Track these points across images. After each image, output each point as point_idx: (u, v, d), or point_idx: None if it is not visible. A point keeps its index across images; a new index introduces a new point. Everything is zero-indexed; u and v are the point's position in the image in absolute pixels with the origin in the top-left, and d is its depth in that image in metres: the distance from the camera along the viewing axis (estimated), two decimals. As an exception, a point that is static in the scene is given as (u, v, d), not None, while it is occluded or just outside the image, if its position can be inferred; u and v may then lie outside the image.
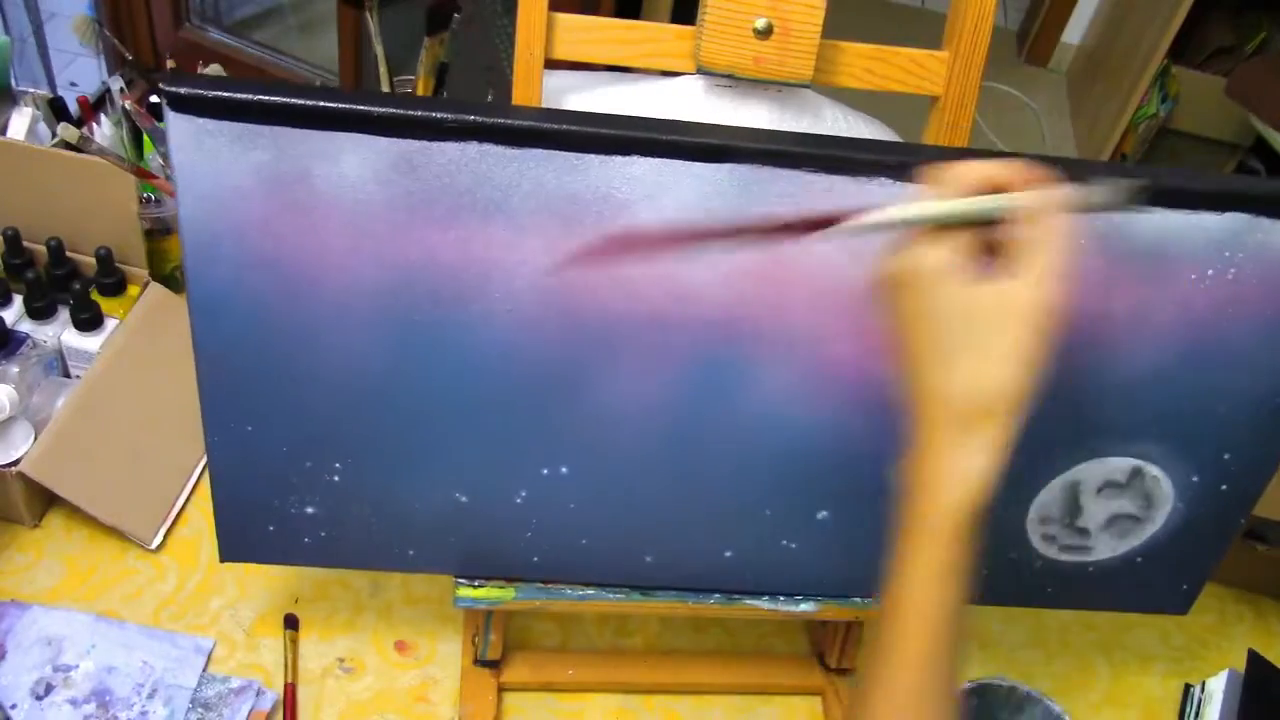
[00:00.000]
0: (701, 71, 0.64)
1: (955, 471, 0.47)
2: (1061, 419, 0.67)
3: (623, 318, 0.62)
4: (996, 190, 0.48)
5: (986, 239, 0.48)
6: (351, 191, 0.57)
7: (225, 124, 0.55)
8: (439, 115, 0.55)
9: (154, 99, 1.13)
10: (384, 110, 0.55)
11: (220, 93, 0.55)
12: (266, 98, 0.55)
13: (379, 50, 1.23)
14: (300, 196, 0.57)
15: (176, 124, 0.55)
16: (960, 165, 0.49)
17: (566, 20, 0.64)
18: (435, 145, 0.56)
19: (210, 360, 0.63)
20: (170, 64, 1.15)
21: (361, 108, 0.55)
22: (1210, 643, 0.96)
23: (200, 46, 1.59)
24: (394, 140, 0.56)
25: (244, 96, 0.55)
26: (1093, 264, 0.61)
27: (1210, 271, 0.62)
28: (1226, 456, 0.70)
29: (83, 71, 1.72)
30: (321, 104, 0.55)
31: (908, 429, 0.49)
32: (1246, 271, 0.62)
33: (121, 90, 1.10)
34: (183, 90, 0.55)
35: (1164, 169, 0.66)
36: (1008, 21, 2.68)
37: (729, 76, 0.63)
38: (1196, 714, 0.88)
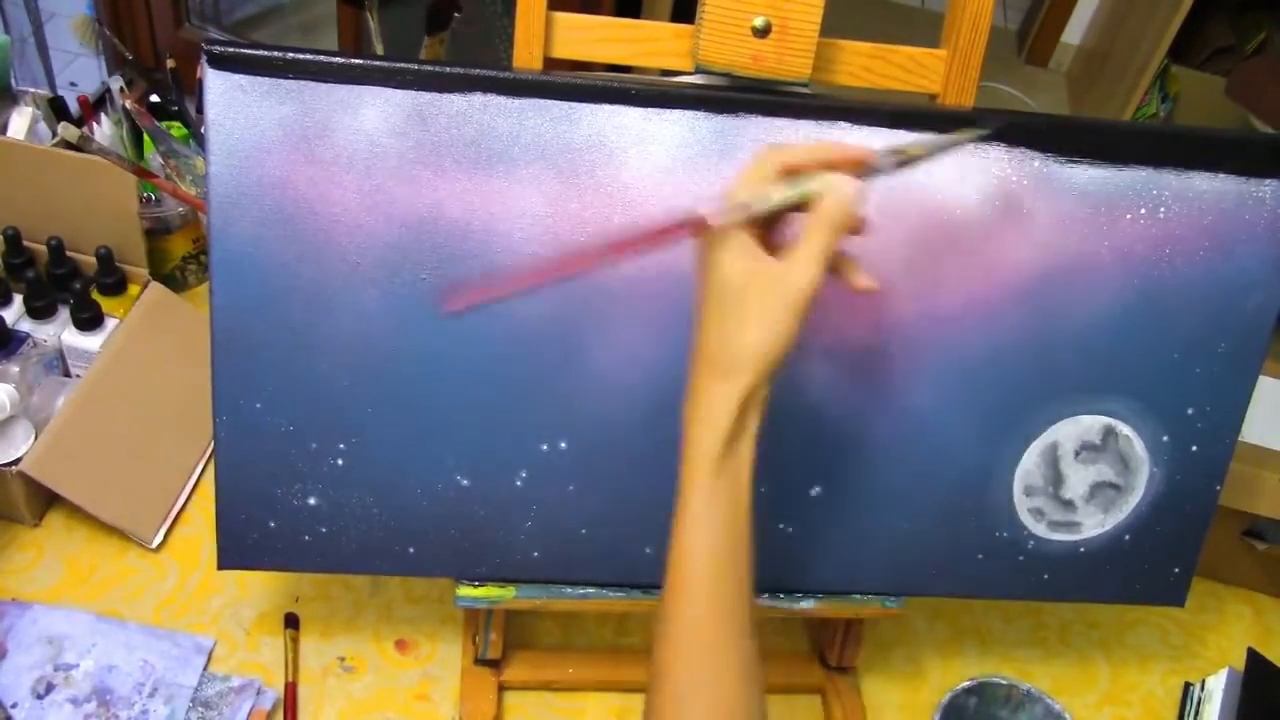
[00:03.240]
0: (700, 70, 0.64)
1: (709, 412, 0.54)
2: (1029, 373, 0.71)
3: (614, 274, 0.66)
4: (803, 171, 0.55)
5: (781, 220, 0.56)
6: (368, 144, 0.63)
7: (258, 79, 0.62)
8: (448, 68, 0.62)
9: (154, 99, 1.13)
10: (399, 64, 0.62)
11: (257, 50, 0.61)
12: (298, 55, 0.61)
13: (379, 50, 1.23)
14: (320, 151, 0.63)
15: (214, 80, 0.62)
16: (779, 152, 0.55)
17: (565, 19, 0.65)
18: (444, 97, 0.62)
19: (226, 329, 0.66)
20: (170, 64, 1.15)
21: (380, 63, 0.62)
22: (1210, 641, 0.96)
23: (200, 46, 1.58)
24: (408, 93, 0.62)
25: (277, 54, 0.61)
26: (1041, 213, 0.68)
27: (1143, 210, 0.68)
28: (1190, 411, 0.74)
29: (83, 71, 1.72)
30: (346, 60, 0.62)
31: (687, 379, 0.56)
32: (1175, 210, 0.69)
33: (121, 90, 1.10)
34: (221, 49, 0.61)
35: (1202, 128, 0.70)
36: (1008, 21, 2.68)
37: (727, 75, 0.64)
38: (1196, 713, 0.88)
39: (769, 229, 0.56)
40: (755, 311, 0.53)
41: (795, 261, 0.53)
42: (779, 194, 0.54)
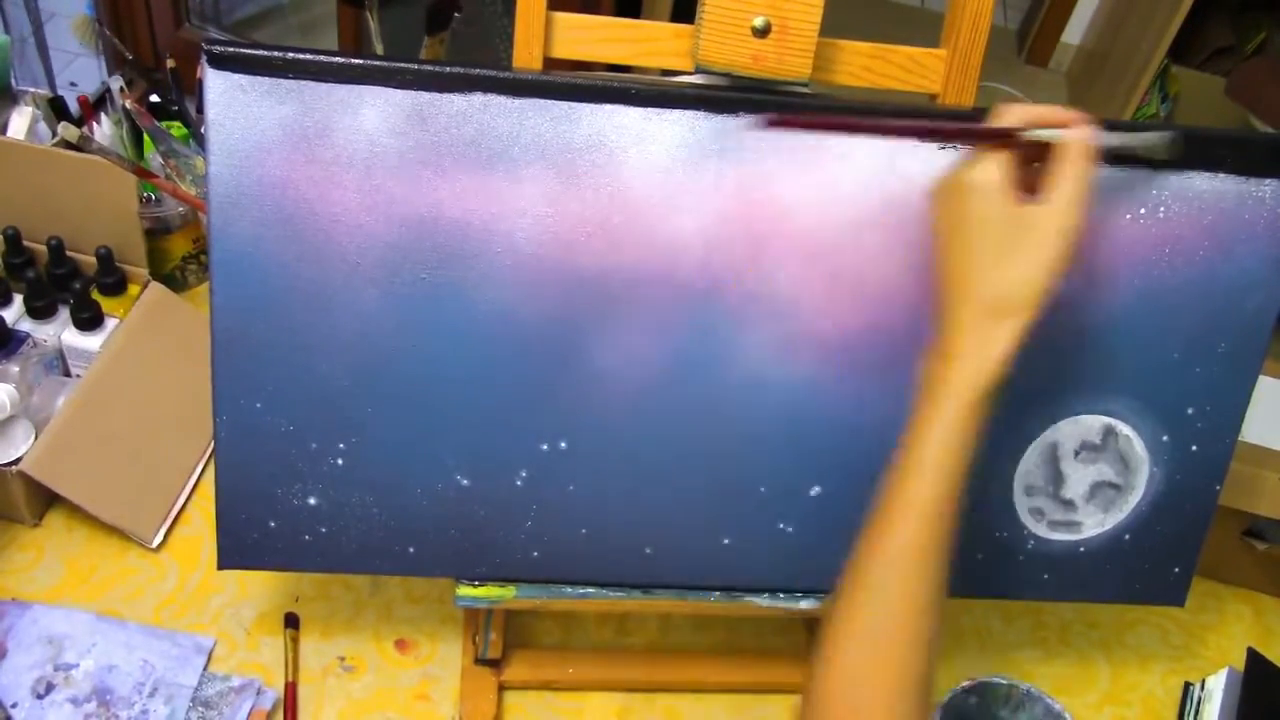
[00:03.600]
0: (700, 70, 0.64)
1: (983, 348, 0.57)
2: (1029, 373, 0.70)
3: (613, 273, 0.66)
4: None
5: (1030, 169, 0.58)
6: (368, 144, 0.63)
7: (258, 79, 0.61)
8: (448, 68, 0.62)
9: (154, 99, 1.13)
10: (399, 64, 0.62)
11: (257, 50, 0.61)
12: (298, 55, 0.61)
13: (379, 50, 1.24)
14: (320, 151, 0.63)
15: (214, 80, 0.61)
16: (1018, 107, 0.59)
17: (565, 19, 0.65)
18: (444, 97, 0.62)
19: (226, 329, 0.66)
20: (170, 64, 1.15)
21: (380, 63, 0.62)
22: (1210, 641, 0.96)
23: (200, 46, 1.58)
24: (408, 93, 0.62)
25: (277, 54, 0.61)
26: None
27: (1143, 210, 0.68)
28: (1190, 411, 0.74)
29: (83, 71, 1.72)
30: (346, 60, 0.62)
31: (938, 317, 0.59)
32: (1175, 210, 0.69)
33: (121, 90, 1.10)
34: (221, 49, 0.61)
35: (1203, 128, 0.70)
36: (1008, 21, 2.69)
37: (727, 75, 0.64)
38: (1196, 712, 0.88)
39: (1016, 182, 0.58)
40: (1027, 252, 0.56)
41: (1060, 201, 0.56)
42: (1046, 131, 0.57)
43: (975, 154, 0.58)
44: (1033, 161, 0.58)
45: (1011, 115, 0.59)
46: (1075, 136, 0.57)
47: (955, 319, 0.58)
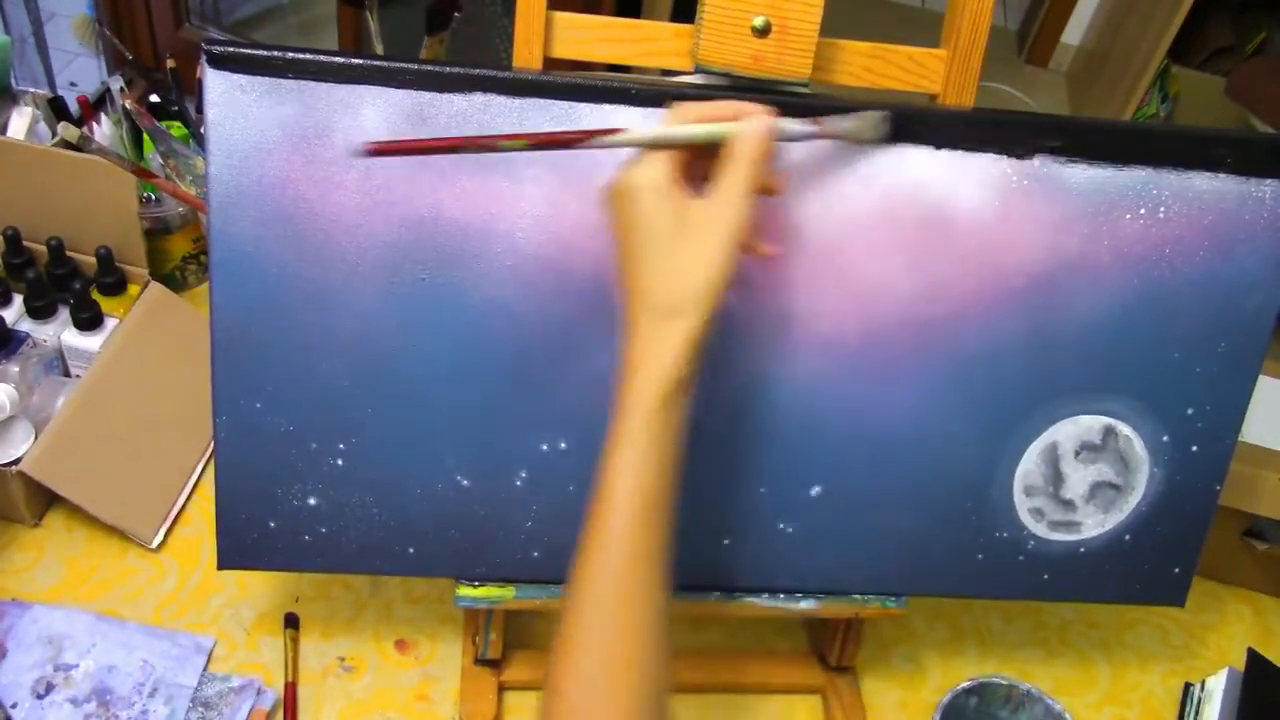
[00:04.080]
0: (700, 70, 0.64)
1: (654, 353, 0.56)
2: (1029, 373, 0.71)
3: (612, 273, 0.65)
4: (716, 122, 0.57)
5: (701, 163, 0.57)
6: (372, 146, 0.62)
7: (258, 79, 0.61)
8: (448, 68, 0.62)
9: (154, 99, 1.13)
10: (399, 64, 0.62)
11: (256, 50, 0.61)
12: (298, 55, 0.61)
13: (379, 50, 1.24)
14: (320, 151, 0.63)
15: (214, 80, 0.62)
16: (692, 104, 0.58)
17: (565, 19, 0.65)
18: (444, 97, 0.62)
19: (226, 329, 0.66)
20: (170, 64, 1.15)
21: (380, 63, 0.62)
22: (1210, 641, 0.96)
23: (200, 46, 1.59)
24: (408, 92, 0.62)
25: (277, 54, 0.61)
26: (1041, 213, 0.67)
27: (1143, 210, 0.68)
28: (1190, 411, 0.74)
29: (83, 71, 1.72)
30: (346, 60, 0.62)
31: (621, 323, 0.57)
32: (1175, 210, 0.68)
33: (121, 90, 1.10)
34: (221, 49, 0.61)
35: (1203, 128, 0.71)
36: (1008, 21, 2.69)
37: (727, 75, 0.64)
38: (1196, 713, 0.88)
39: (686, 178, 0.57)
40: (691, 250, 0.55)
41: (720, 196, 0.56)
42: (698, 129, 0.57)
43: (640, 153, 0.57)
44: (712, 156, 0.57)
45: (683, 113, 0.58)
46: (739, 130, 0.56)
47: (630, 325, 0.57)
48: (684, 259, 0.55)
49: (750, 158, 0.56)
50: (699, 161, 0.58)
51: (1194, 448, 0.75)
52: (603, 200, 0.58)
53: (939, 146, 0.66)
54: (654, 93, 0.63)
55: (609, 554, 0.55)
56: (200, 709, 0.77)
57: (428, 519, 0.71)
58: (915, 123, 0.65)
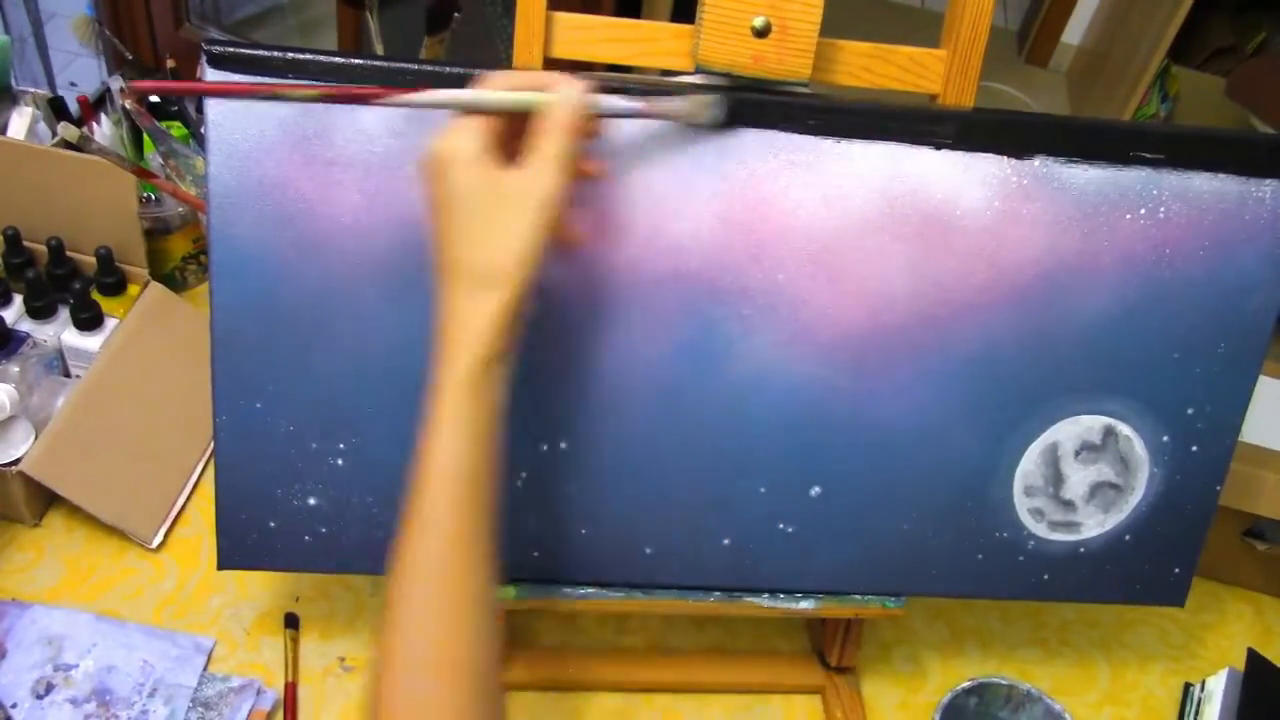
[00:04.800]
0: (700, 70, 0.64)
1: (466, 326, 0.55)
2: (1029, 373, 0.71)
3: (613, 273, 0.66)
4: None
5: (518, 140, 0.56)
6: (367, 145, 0.63)
7: (258, 79, 0.61)
8: (448, 68, 0.62)
9: (154, 99, 1.13)
10: (399, 64, 0.62)
11: (257, 50, 0.61)
12: (298, 55, 0.61)
13: (379, 50, 1.24)
14: (320, 151, 0.63)
15: (214, 80, 0.61)
16: (504, 73, 0.57)
17: (565, 19, 0.65)
18: None
19: (226, 329, 0.66)
20: (170, 64, 1.15)
21: (380, 63, 0.62)
22: (1210, 641, 0.96)
23: (200, 46, 1.59)
24: None
25: (277, 54, 0.61)
26: (1040, 213, 0.68)
27: (1143, 210, 0.68)
28: (1190, 411, 0.74)
29: (83, 71, 1.72)
30: (346, 60, 0.62)
31: (434, 296, 0.56)
32: (1175, 210, 0.68)
33: (121, 90, 1.10)
34: (221, 49, 0.61)
35: (1203, 128, 0.71)
36: (1008, 21, 2.69)
37: (727, 75, 0.64)
38: (1196, 713, 0.88)
39: (504, 150, 0.57)
40: (505, 220, 0.54)
41: (533, 166, 0.55)
42: (507, 96, 0.56)
43: (452, 123, 0.56)
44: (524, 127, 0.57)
45: (494, 81, 0.57)
46: (549, 99, 0.56)
47: (444, 297, 0.56)
48: (495, 229, 0.54)
49: (561, 126, 0.55)
50: (516, 137, 0.57)
51: (1194, 448, 0.75)
52: (418, 170, 0.57)
53: (939, 147, 0.66)
54: (653, 93, 0.63)
55: (428, 535, 0.54)
56: (200, 709, 0.77)
57: (428, 519, 0.71)
58: (747, 107, 0.64)
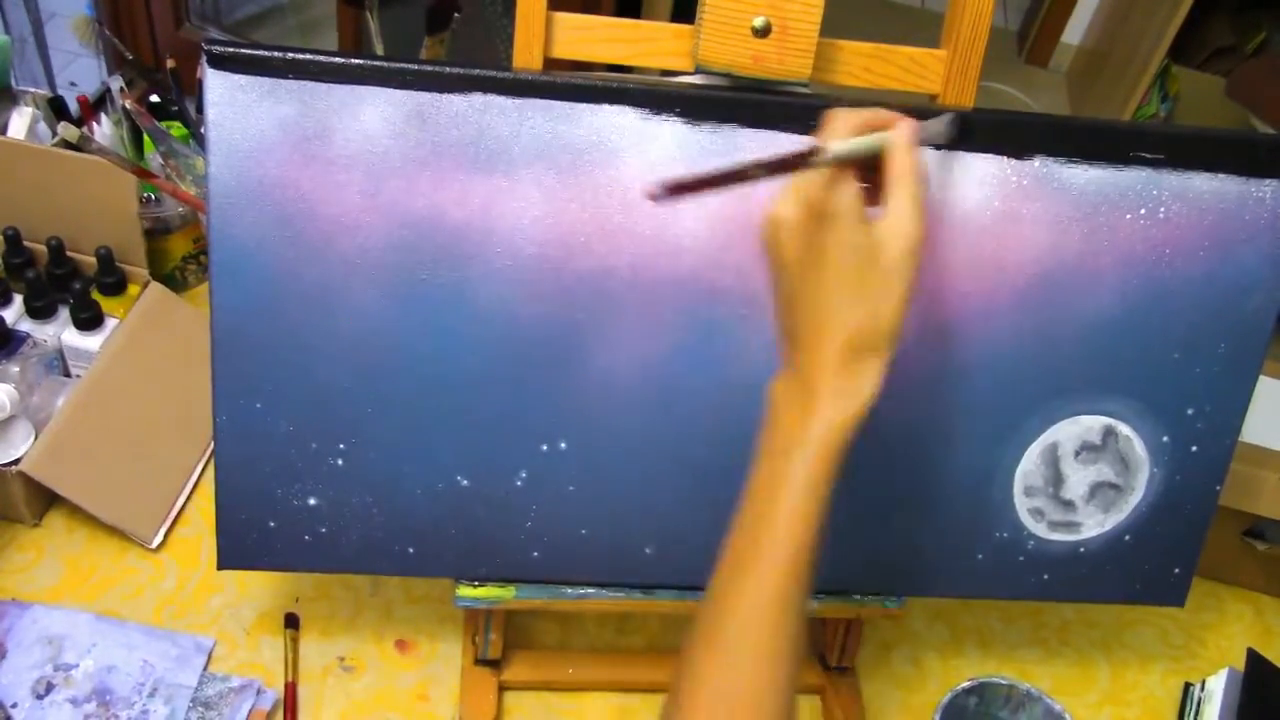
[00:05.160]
0: (700, 70, 0.64)
1: (848, 390, 0.53)
2: (1029, 373, 0.71)
3: (612, 273, 0.66)
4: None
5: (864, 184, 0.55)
6: (367, 145, 0.63)
7: (258, 79, 0.61)
8: (448, 68, 0.62)
9: (154, 99, 1.13)
10: (399, 64, 0.62)
11: (256, 50, 0.61)
12: (298, 55, 0.61)
13: (379, 50, 1.23)
14: (320, 151, 0.63)
15: (214, 80, 0.62)
16: (845, 112, 0.56)
17: (565, 19, 0.65)
18: (444, 97, 0.62)
19: (226, 329, 0.66)
20: (170, 64, 1.15)
21: (380, 63, 0.62)
22: (1210, 641, 0.96)
23: (200, 46, 1.59)
24: (408, 93, 0.62)
25: (277, 54, 0.61)
26: (1041, 213, 0.67)
27: (1143, 210, 0.68)
28: (1190, 411, 0.74)
29: (83, 71, 1.72)
30: (346, 60, 0.62)
31: (786, 355, 0.56)
32: (1175, 210, 0.68)
33: (121, 90, 1.10)
34: (221, 49, 0.61)
35: (1203, 128, 0.71)
36: (1008, 21, 2.69)
37: (727, 75, 0.64)
38: (1196, 713, 0.88)
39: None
40: (882, 279, 0.52)
41: (897, 217, 0.53)
42: (862, 141, 0.54)
43: (810, 179, 0.53)
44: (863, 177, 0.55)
45: (839, 123, 0.55)
46: (897, 140, 0.54)
47: (816, 362, 0.54)
48: (877, 290, 0.52)
49: (913, 170, 0.53)
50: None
51: (1194, 448, 0.75)
52: (776, 226, 0.54)
53: (939, 147, 0.66)
54: (653, 93, 0.63)
55: (767, 581, 0.53)
56: (200, 709, 0.77)
57: (428, 519, 0.71)
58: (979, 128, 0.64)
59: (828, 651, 0.86)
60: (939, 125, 0.60)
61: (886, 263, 0.53)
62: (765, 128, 0.64)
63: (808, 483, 0.53)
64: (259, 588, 0.86)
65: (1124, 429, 0.74)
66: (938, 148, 0.64)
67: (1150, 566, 0.79)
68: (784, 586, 0.53)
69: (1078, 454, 0.74)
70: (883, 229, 0.53)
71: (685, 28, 0.64)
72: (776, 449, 0.55)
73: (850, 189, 0.53)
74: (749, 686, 0.52)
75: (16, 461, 0.83)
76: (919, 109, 0.61)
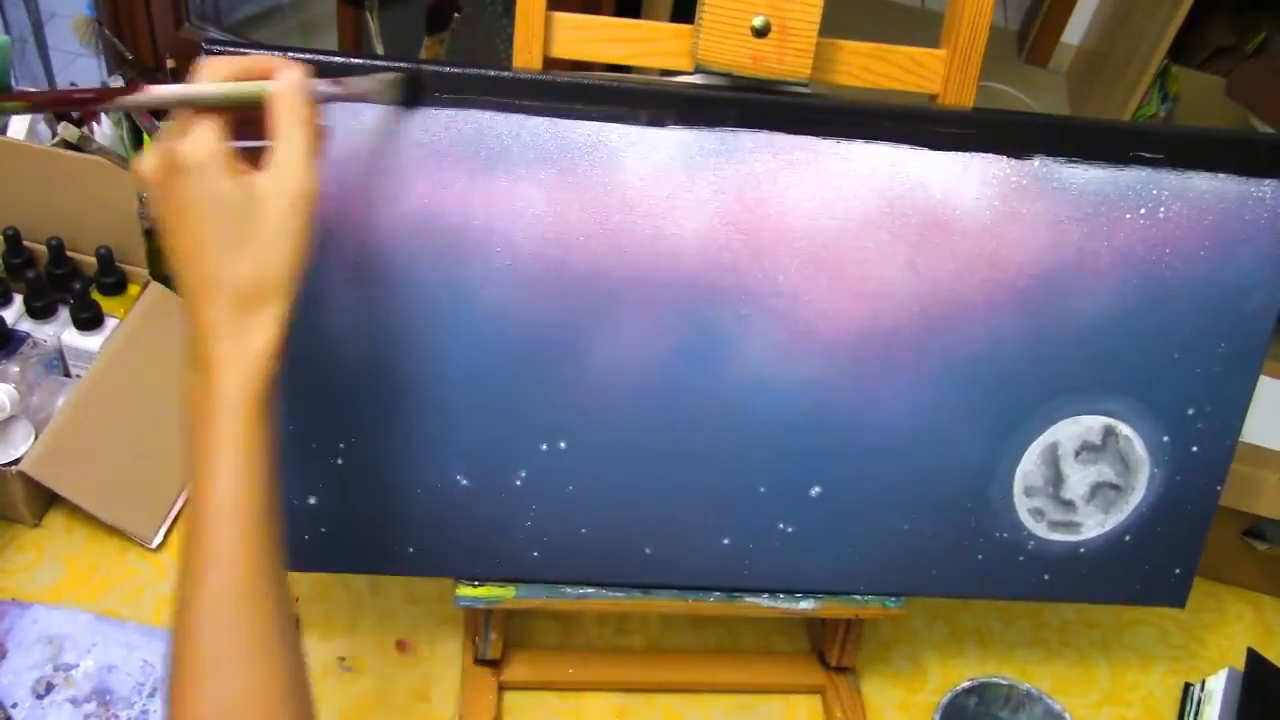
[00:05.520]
0: (700, 70, 0.64)
1: (240, 352, 0.50)
2: (1029, 373, 0.71)
3: (612, 273, 0.66)
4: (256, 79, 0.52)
5: (238, 121, 0.52)
6: (367, 144, 0.62)
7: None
8: (449, 68, 0.62)
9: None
10: (399, 64, 0.61)
11: (250, 48, 0.60)
12: (298, 55, 0.60)
13: (379, 50, 1.24)
14: (319, 150, 0.60)
15: None
16: (220, 59, 0.52)
17: (565, 19, 0.65)
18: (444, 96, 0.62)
19: None
20: (170, 64, 1.15)
21: (380, 63, 0.61)
22: (1210, 641, 0.96)
23: (200, 46, 1.59)
24: None
25: (276, 54, 0.59)
26: (1040, 213, 0.67)
27: (1143, 210, 0.68)
28: (1190, 411, 0.74)
29: (83, 71, 1.72)
30: (346, 60, 0.61)
31: (184, 317, 0.52)
32: (1175, 210, 0.68)
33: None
34: (221, 49, 0.60)
35: (1203, 128, 0.71)
36: (1008, 21, 2.69)
37: (727, 75, 0.64)
38: (1196, 713, 0.88)
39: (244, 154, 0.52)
40: (266, 228, 0.50)
41: (281, 165, 0.51)
42: (233, 87, 0.51)
43: (180, 124, 0.50)
44: (251, 122, 0.52)
45: (212, 70, 0.51)
46: (279, 88, 0.51)
47: (204, 319, 0.51)
48: (260, 239, 0.50)
49: (297, 116, 0.51)
50: (242, 125, 0.52)
51: (1194, 448, 0.75)
52: (147, 178, 0.51)
53: (938, 147, 0.66)
54: (653, 93, 0.63)
55: (225, 571, 0.49)
56: (200, 709, 0.77)
57: (428, 519, 0.71)
58: (421, 87, 0.62)
59: (828, 651, 0.86)
60: (370, 83, 0.59)
61: (269, 216, 0.50)
62: (765, 128, 0.64)
63: (234, 458, 0.50)
64: (259, 588, 0.86)
65: (1124, 429, 0.74)
66: (391, 107, 0.62)
67: (1150, 567, 0.79)
68: (242, 571, 0.49)
69: (1078, 454, 0.74)
70: (263, 181, 0.50)
71: (685, 28, 0.64)
72: (193, 435, 0.51)
73: (207, 138, 0.50)
74: (243, 696, 0.48)
75: (16, 461, 0.83)
76: (367, 67, 0.60)
